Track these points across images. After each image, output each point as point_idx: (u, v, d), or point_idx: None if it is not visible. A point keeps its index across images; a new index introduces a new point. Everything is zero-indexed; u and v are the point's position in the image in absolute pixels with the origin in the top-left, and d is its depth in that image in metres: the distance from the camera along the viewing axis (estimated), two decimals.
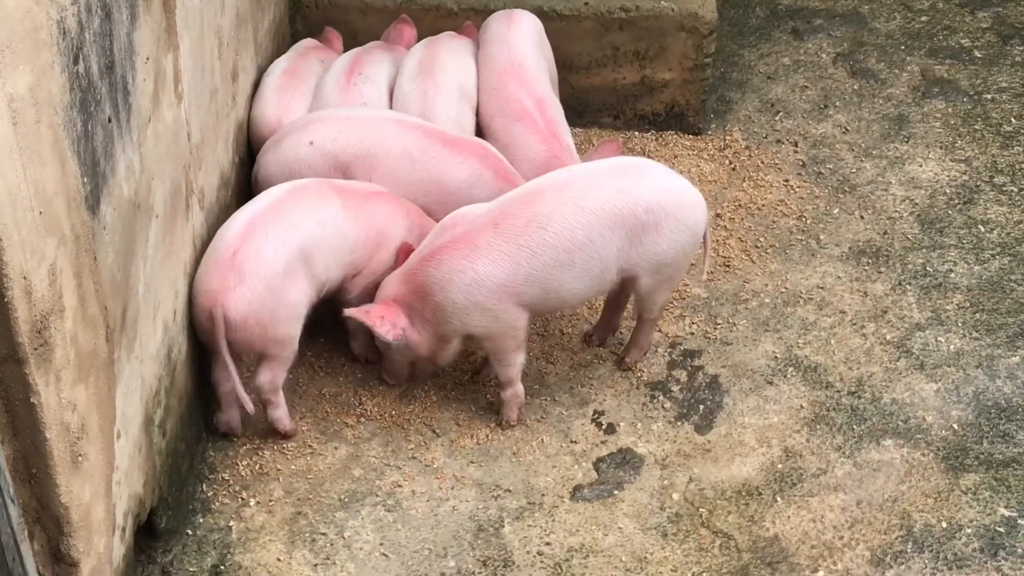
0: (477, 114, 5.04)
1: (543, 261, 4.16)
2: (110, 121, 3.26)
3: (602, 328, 4.78)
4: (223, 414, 4.38)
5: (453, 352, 4.44)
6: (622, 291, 4.54)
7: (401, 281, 4.30)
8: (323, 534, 4.14)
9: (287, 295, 4.16)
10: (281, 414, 4.39)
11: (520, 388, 4.47)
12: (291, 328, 4.24)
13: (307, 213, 4.26)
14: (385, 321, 4.26)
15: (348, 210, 4.36)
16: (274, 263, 4.13)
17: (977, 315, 4.85)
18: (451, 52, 5.13)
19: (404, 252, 4.42)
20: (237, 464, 4.35)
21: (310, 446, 4.42)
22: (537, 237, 4.14)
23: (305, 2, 5.52)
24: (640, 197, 4.20)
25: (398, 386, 4.61)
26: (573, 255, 4.17)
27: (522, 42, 5.11)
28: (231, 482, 4.30)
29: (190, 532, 4.14)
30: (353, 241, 4.37)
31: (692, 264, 4.97)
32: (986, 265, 5.05)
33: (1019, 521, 4.13)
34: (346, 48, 5.35)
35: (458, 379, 4.68)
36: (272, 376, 4.30)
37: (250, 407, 4.21)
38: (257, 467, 4.35)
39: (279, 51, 5.24)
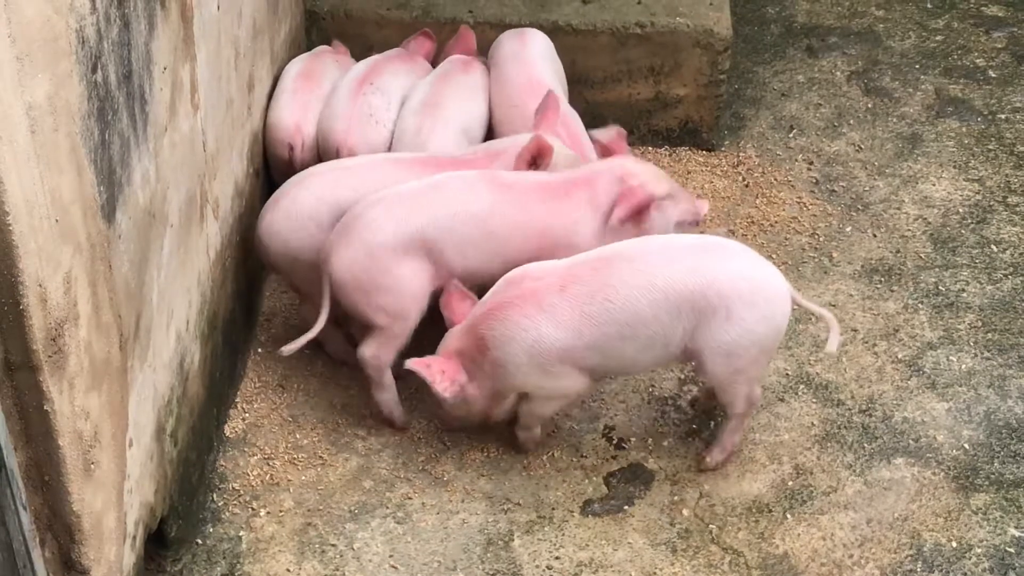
0: (495, 135, 5.02)
1: (605, 332, 4.05)
2: (127, 130, 3.27)
3: (715, 451, 4.45)
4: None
5: (508, 408, 4.36)
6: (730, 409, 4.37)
7: (464, 333, 4.19)
8: (333, 545, 4.15)
9: (395, 269, 4.24)
10: (386, 398, 4.44)
11: (537, 433, 4.44)
12: (399, 302, 4.29)
13: (443, 201, 4.29)
14: (445, 377, 4.17)
15: (500, 205, 4.33)
16: (384, 236, 4.24)
17: (989, 335, 4.85)
18: (459, 88, 5.08)
19: None
20: (248, 474, 4.36)
21: (321, 457, 4.43)
22: (601, 307, 4.03)
23: (321, 14, 5.54)
24: (714, 280, 4.03)
25: (407, 402, 4.58)
26: (637, 329, 4.06)
27: (538, 59, 5.13)
28: (241, 492, 4.30)
29: (200, 542, 4.14)
30: (504, 236, 4.33)
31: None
32: (998, 285, 5.05)
33: None
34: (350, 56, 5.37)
35: None
36: (376, 351, 4.35)
37: (291, 348, 4.35)
38: (268, 477, 4.35)
39: None
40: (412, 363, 4.17)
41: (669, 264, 4.05)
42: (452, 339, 4.22)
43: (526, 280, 4.13)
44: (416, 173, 4.49)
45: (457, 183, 4.38)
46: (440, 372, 4.17)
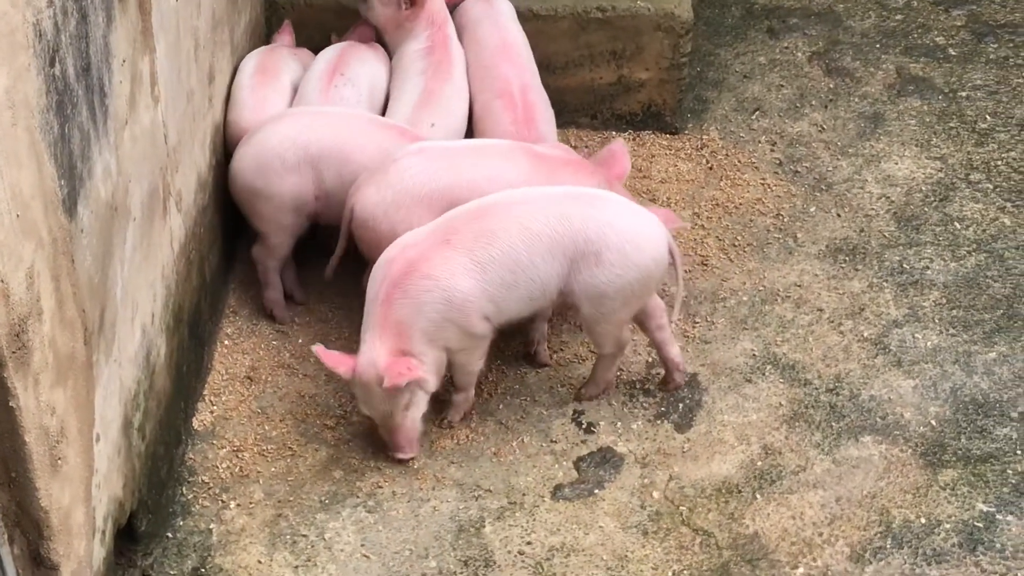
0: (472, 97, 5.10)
1: (492, 278, 4.16)
2: (87, 124, 3.25)
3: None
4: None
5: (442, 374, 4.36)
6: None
7: (381, 333, 4.16)
8: (304, 536, 4.14)
9: (415, 220, 4.33)
10: None
11: (472, 393, 4.48)
12: None
13: (477, 165, 4.46)
14: (410, 369, 4.13)
15: (534, 174, 4.47)
16: (413, 184, 4.42)
17: (954, 311, 4.87)
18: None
19: None
20: (217, 467, 4.35)
21: (290, 448, 4.42)
22: (485, 253, 4.14)
23: (281, 3, 5.51)
24: (585, 227, 4.19)
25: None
26: (518, 275, 4.18)
27: (509, 21, 5.20)
28: (211, 485, 4.29)
29: (170, 535, 4.13)
30: None
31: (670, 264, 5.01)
32: (962, 262, 5.08)
33: (997, 516, 4.15)
34: (310, 45, 5.36)
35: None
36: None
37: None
38: (237, 469, 4.34)
39: None
40: (393, 379, 4.10)
41: (543, 210, 4.20)
42: (378, 350, 4.16)
43: (406, 251, 4.20)
44: (391, 136, 4.67)
45: (497, 149, 4.59)
46: (405, 367, 4.13)
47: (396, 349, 4.16)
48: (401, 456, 4.35)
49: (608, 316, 4.31)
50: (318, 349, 4.22)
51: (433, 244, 4.17)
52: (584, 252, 4.18)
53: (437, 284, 4.13)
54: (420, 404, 4.28)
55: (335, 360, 4.20)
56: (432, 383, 4.26)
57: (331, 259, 4.63)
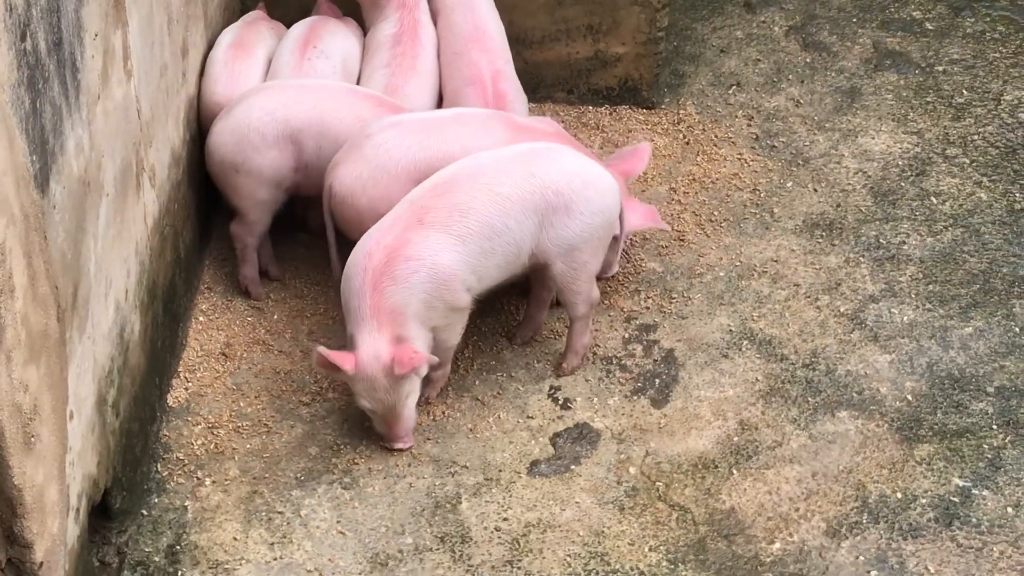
0: (442, 80, 5.07)
1: (472, 249, 4.16)
2: (59, 98, 3.22)
3: (525, 327, 4.73)
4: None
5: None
6: (544, 287, 4.53)
7: (377, 324, 4.12)
8: (279, 513, 4.13)
9: (396, 193, 4.31)
10: None
11: (449, 368, 4.47)
12: None
13: (455, 136, 4.45)
14: (417, 356, 4.11)
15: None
16: (388, 159, 4.41)
17: (930, 286, 4.88)
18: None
19: None
20: (192, 443, 4.33)
21: (265, 424, 4.40)
22: (461, 225, 4.14)
23: None
24: (551, 180, 4.22)
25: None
26: (494, 242, 4.19)
27: (483, 7, 5.14)
28: (186, 462, 4.28)
29: (145, 512, 4.12)
30: None
31: (646, 238, 5.00)
32: (939, 237, 5.08)
33: (973, 491, 4.16)
34: (285, 20, 5.31)
35: None
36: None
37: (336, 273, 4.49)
38: (212, 446, 4.32)
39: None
40: (406, 366, 4.07)
41: (509, 172, 4.23)
42: (380, 342, 4.12)
43: (380, 238, 4.17)
44: (370, 106, 4.66)
45: (476, 119, 4.58)
46: (413, 352, 4.10)
47: (394, 337, 4.13)
48: (400, 446, 4.32)
49: (580, 269, 4.35)
50: (320, 351, 4.13)
51: (408, 226, 4.15)
52: (555, 205, 4.22)
53: (423, 264, 4.11)
54: (416, 390, 4.26)
55: (339, 359, 4.12)
56: (427, 366, 4.25)
57: (331, 255, 4.57)
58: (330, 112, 4.63)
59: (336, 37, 5.08)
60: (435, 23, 5.15)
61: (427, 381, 4.40)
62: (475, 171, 4.25)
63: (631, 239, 4.97)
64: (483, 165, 4.27)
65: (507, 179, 4.21)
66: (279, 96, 4.67)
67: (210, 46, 4.96)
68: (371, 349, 4.12)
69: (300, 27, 5.10)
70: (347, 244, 4.39)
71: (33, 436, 3.17)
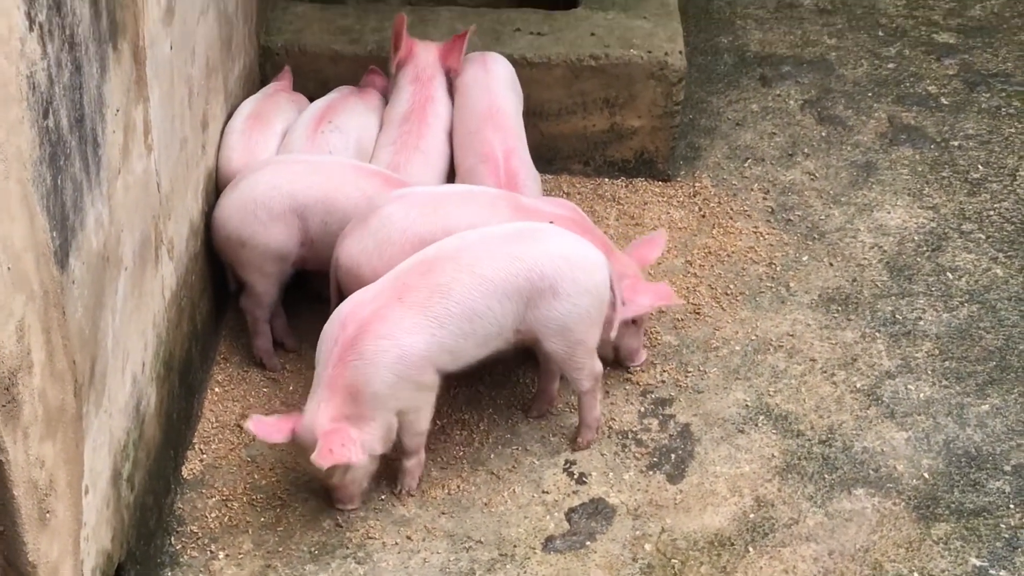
0: (455, 160, 5.07)
1: (451, 331, 4.12)
2: (80, 174, 3.24)
3: (538, 400, 4.72)
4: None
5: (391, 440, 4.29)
6: (549, 359, 4.49)
7: (329, 398, 4.08)
8: None
9: (398, 264, 4.28)
10: None
11: (423, 456, 4.41)
12: None
13: (459, 212, 4.46)
14: (346, 445, 4.05)
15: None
16: (393, 230, 4.41)
17: (946, 363, 4.86)
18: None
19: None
20: (206, 516, 4.32)
21: (279, 497, 4.39)
22: (441, 307, 4.10)
23: (275, 50, 5.51)
24: (536, 263, 4.19)
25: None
26: (475, 324, 4.16)
27: (501, 87, 5.16)
28: (200, 535, 4.26)
29: None
30: None
31: (662, 312, 5.00)
32: (955, 313, 5.07)
33: (990, 571, 4.13)
34: (305, 91, 5.35)
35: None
36: None
37: None
38: (226, 519, 4.31)
39: None
40: (323, 456, 3.97)
41: (493, 254, 4.20)
42: (320, 415, 4.08)
43: (357, 310, 4.14)
44: (376, 183, 4.66)
45: (482, 197, 4.57)
46: (340, 445, 4.03)
47: (340, 415, 4.08)
48: (341, 508, 4.33)
49: (576, 346, 4.32)
50: (252, 422, 4.11)
51: (386, 303, 4.11)
52: (540, 288, 4.19)
53: (395, 344, 4.07)
54: (363, 467, 4.20)
55: (269, 429, 4.10)
56: (378, 447, 4.19)
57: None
58: (336, 188, 4.64)
59: (354, 114, 5.10)
60: (453, 101, 5.18)
61: (402, 471, 4.38)
62: (460, 250, 4.22)
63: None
64: (469, 245, 4.24)
65: (491, 261, 4.17)
66: (286, 171, 4.68)
67: (230, 118, 4.99)
68: (310, 421, 4.09)
69: (321, 101, 5.14)
70: None
71: (48, 512, 3.17)
